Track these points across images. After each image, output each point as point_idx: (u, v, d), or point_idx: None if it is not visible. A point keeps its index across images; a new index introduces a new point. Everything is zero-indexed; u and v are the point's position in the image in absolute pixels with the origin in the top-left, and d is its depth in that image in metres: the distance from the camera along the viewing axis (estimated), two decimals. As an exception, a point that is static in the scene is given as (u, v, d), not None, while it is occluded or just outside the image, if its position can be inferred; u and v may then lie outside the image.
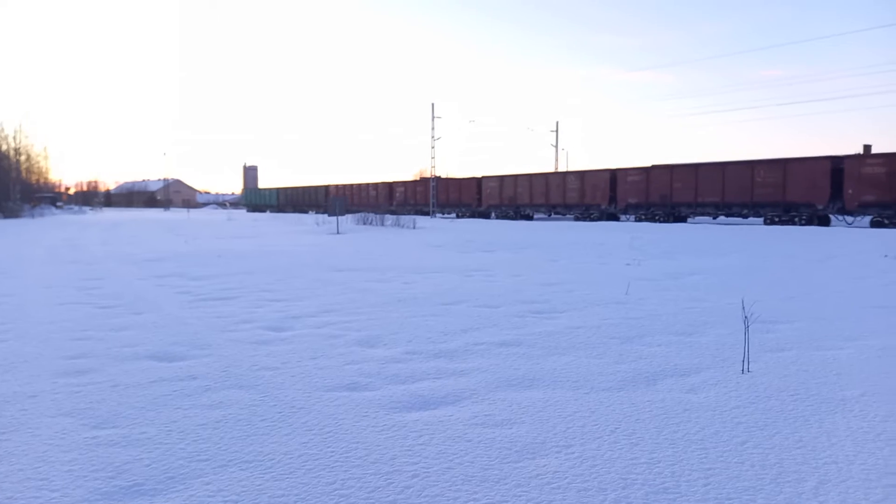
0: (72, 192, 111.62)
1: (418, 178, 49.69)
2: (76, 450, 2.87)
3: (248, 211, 65.49)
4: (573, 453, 2.84)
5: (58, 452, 2.84)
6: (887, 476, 2.58)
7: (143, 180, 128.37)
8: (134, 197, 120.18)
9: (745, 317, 4.57)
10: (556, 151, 52.54)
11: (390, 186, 47.57)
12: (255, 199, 71.19)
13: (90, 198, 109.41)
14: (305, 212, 55.08)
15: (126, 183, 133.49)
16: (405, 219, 27.36)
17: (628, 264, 11.08)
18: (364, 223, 27.63)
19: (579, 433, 3.09)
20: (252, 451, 2.87)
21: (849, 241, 16.20)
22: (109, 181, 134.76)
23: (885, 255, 12.20)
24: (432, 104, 48.50)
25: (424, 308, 6.61)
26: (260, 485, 2.52)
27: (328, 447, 2.91)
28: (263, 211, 66.53)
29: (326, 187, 55.91)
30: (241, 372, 4.19)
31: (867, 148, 35.73)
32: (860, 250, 13.44)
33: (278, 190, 65.39)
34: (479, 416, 3.34)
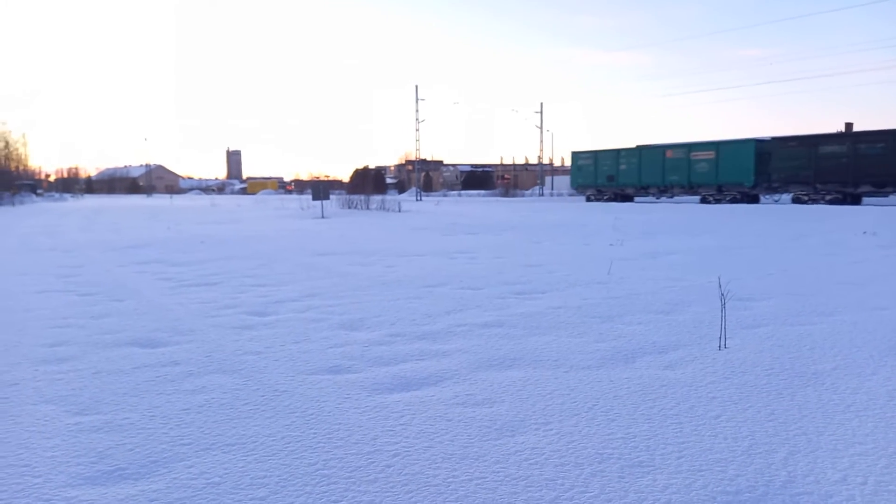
0: (52, 179, 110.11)
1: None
2: (59, 436, 2.88)
3: (589, 199, 34.49)
4: (552, 430, 2.90)
5: (40, 439, 2.85)
6: (854, 446, 2.66)
7: (125, 166, 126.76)
8: (115, 183, 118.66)
9: (722, 294, 4.65)
10: (541, 133, 52.46)
11: None
12: (630, 173, 32.24)
13: (71, 185, 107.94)
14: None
15: (107, 169, 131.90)
16: (390, 202, 27.33)
17: (611, 245, 11.16)
18: (349, 207, 27.56)
19: (558, 410, 3.14)
20: (235, 434, 2.90)
21: (820, 219, 16.42)
22: (90, 167, 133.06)
23: (864, 232, 12.38)
24: (416, 86, 48.10)
25: (408, 291, 6.64)
26: (243, 466, 2.55)
27: (311, 429, 2.95)
28: (633, 194, 32.61)
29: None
30: (223, 357, 4.20)
31: (849, 126, 35.91)
32: (832, 229, 13.63)
33: (744, 144, 27.67)
34: (460, 395, 3.39)
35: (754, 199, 28.18)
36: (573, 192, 36.26)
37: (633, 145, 32.93)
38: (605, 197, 34.02)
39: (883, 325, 4.79)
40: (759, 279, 7.04)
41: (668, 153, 30.68)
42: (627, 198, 32.60)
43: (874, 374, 3.62)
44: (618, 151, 33.26)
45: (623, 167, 32.79)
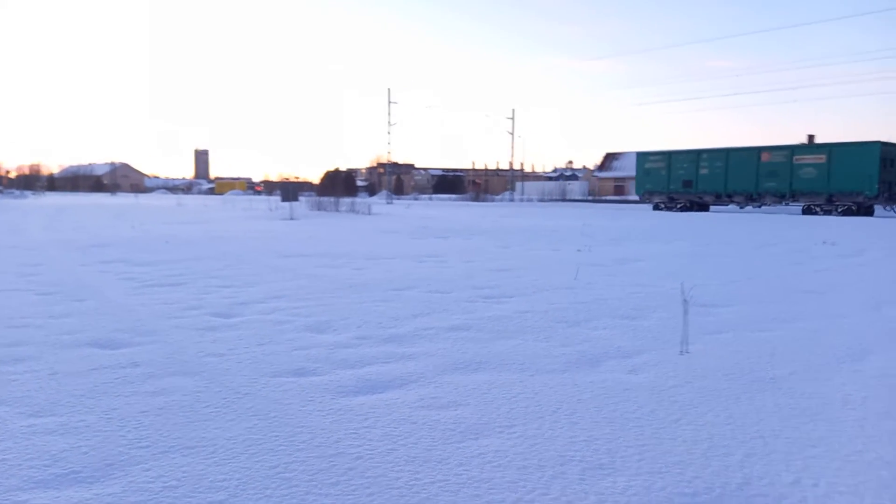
0: (12, 175, 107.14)
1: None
2: (10, 439, 2.80)
3: (657, 207, 30.01)
4: (515, 433, 2.91)
5: (-9, 441, 2.77)
6: (807, 449, 2.73)
7: (89, 164, 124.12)
8: (79, 181, 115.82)
9: (685, 300, 4.72)
10: (513, 139, 52.81)
11: None
12: (713, 179, 28.04)
13: (32, 182, 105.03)
14: None
15: (71, 166, 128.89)
16: (360, 204, 27.25)
17: (579, 250, 11.27)
18: (319, 209, 27.36)
19: (522, 414, 3.16)
20: (195, 436, 2.85)
21: (785, 229, 16.82)
22: (53, 165, 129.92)
23: (823, 242, 12.71)
24: (388, 89, 48.03)
25: (375, 294, 6.62)
26: (202, 469, 2.51)
27: (272, 431, 2.91)
28: (712, 202, 28.45)
29: None
30: (185, 359, 4.13)
31: (811, 138, 36.99)
32: (797, 238, 13.97)
33: None
34: (425, 398, 3.38)
35: (869, 211, 24.64)
36: (638, 197, 31.02)
37: (715, 147, 28.73)
38: (679, 205, 29.28)
39: (841, 332, 4.91)
40: (723, 285, 7.17)
41: (764, 156, 26.58)
42: (704, 207, 28.50)
43: (829, 380, 3.71)
44: (698, 153, 28.85)
45: (704, 171, 28.49)
